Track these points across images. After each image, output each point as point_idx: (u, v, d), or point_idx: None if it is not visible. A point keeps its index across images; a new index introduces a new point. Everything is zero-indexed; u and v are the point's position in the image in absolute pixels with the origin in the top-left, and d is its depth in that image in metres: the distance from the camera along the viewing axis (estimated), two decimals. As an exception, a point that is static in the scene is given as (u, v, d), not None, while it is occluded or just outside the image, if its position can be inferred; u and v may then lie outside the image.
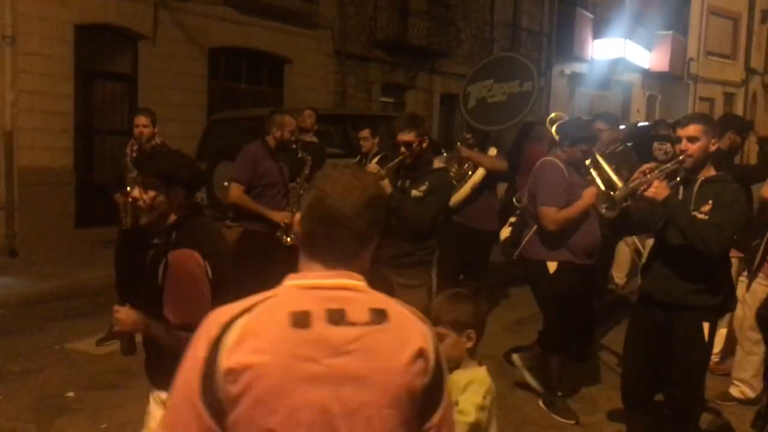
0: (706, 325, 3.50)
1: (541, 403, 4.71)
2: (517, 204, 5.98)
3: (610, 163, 4.36)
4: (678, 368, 3.55)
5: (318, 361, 1.34)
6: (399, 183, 4.33)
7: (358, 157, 6.85)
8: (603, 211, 3.55)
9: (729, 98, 28.10)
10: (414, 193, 4.24)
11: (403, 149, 4.26)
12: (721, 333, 5.25)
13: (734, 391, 4.82)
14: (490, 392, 2.25)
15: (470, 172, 5.96)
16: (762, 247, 4.53)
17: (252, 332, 1.35)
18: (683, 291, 3.46)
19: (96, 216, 9.57)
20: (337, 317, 1.38)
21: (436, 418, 1.43)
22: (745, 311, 4.72)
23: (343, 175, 1.52)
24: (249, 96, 12.56)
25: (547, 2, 19.89)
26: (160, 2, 10.55)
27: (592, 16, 20.68)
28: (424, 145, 4.28)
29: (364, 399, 1.35)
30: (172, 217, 2.56)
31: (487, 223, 6.07)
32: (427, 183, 4.24)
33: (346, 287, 1.44)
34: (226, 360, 1.32)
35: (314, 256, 1.47)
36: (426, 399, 1.41)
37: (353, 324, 1.38)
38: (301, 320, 1.36)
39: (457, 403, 2.18)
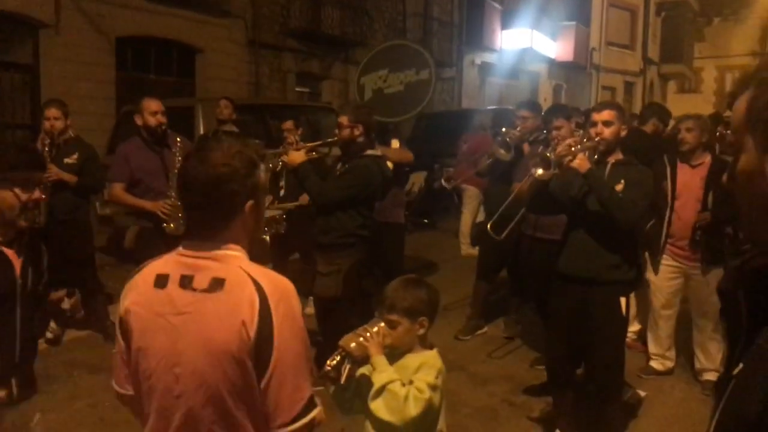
0: (622, 300, 3.68)
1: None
2: (446, 185, 6.04)
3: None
4: (597, 342, 3.71)
5: (164, 316, 1.61)
6: (339, 166, 4.47)
7: (280, 147, 6.74)
8: (538, 173, 3.60)
9: (629, 87, 29.50)
10: (336, 173, 4.44)
11: (336, 130, 4.46)
12: (641, 315, 5.54)
13: (655, 365, 5.06)
14: (441, 373, 2.29)
15: None
16: (665, 228, 4.78)
17: (134, 286, 1.70)
18: (599, 266, 3.63)
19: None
20: (185, 282, 1.61)
21: (266, 377, 1.56)
22: (654, 290, 4.98)
23: (210, 143, 1.66)
24: (159, 87, 12.11)
25: (457, -7, 20.23)
26: (63, -12, 10.06)
27: (500, 7, 21.16)
28: (356, 132, 4.38)
29: (190, 354, 1.57)
30: None
31: (398, 216, 6.23)
32: (347, 165, 4.38)
33: (207, 256, 1.62)
34: (122, 303, 1.69)
35: (192, 226, 1.68)
36: (254, 361, 1.56)
37: (194, 290, 1.60)
38: (160, 281, 1.64)
39: (411, 383, 2.21)
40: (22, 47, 10.13)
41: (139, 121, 5.04)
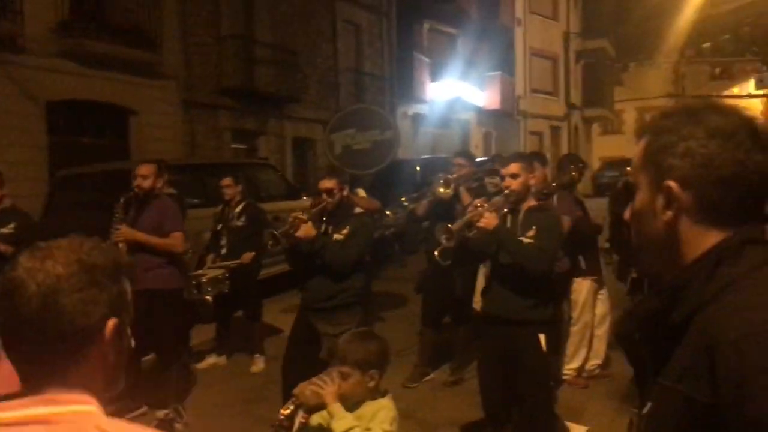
0: (541, 337, 3.94)
1: None
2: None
3: (473, 195, 4.79)
4: (524, 379, 3.97)
5: None
6: (323, 228, 4.55)
7: (221, 206, 6.80)
8: (444, 241, 3.93)
9: (555, 131, 30.68)
10: (336, 236, 4.47)
11: (325, 196, 4.53)
12: (581, 351, 5.75)
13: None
14: (395, 420, 2.40)
15: None
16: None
17: None
18: (520, 308, 3.91)
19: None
20: None
21: None
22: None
23: (39, 251, 1.12)
24: (93, 150, 11.99)
25: (386, 48, 20.84)
26: (-10, 56, 9.96)
27: (428, 60, 21.87)
28: (345, 193, 4.60)
29: None
30: None
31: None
32: (348, 227, 4.48)
33: (38, 420, 1.03)
34: None
35: (16, 367, 1.10)
36: None
37: None
38: None
39: (369, 430, 2.30)
40: (-52, 115, 9.94)
41: None
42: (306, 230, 4.43)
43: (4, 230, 5.25)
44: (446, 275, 5.87)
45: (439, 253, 4.48)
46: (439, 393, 5.78)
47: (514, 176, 3.94)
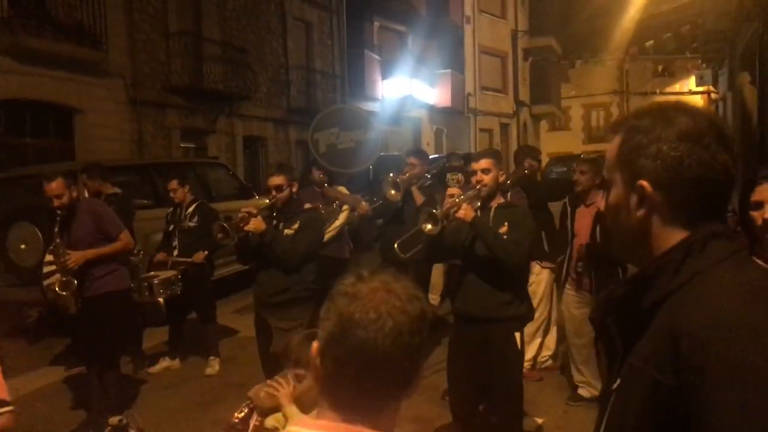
0: (517, 335, 3.93)
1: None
2: None
3: (425, 193, 4.82)
4: (497, 376, 3.93)
5: None
6: (273, 224, 4.57)
7: (171, 208, 6.68)
8: (427, 228, 3.81)
9: (504, 128, 31.09)
10: (286, 231, 4.52)
11: (273, 192, 4.57)
12: (535, 343, 5.85)
13: (583, 392, 5.30)
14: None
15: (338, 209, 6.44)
16: (566, 261, 5.17)
17: None
18: (495, 305, 3.86)
19: None
20: None
21: None
22: (566, 321, 5.32)
23: (373, 293, 1.14)
24: (36, 151, 11.65)
25: (336, 46, 20.78)
26: (-75, 53, 9.56)
27: (379, 57, 21.90)
28: (294, 189, 4.67)
29: None
30: None
31: (343, 252, 6.68)
32: (298, 222, 4.53)
33: None
34: None
35: (333, 404, 1.16)
36: None
37: None
38: None
39: None
40: None
41: None
42: (255, 224, 4.46)
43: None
44: (400, 272, 5.90)
45: (399, 245, 4.42)
46: (395, 390, 5.80)
47: (485, 171, 3.89)
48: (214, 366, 6.37)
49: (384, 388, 1.13)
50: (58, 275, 4.78)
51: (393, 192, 5.47)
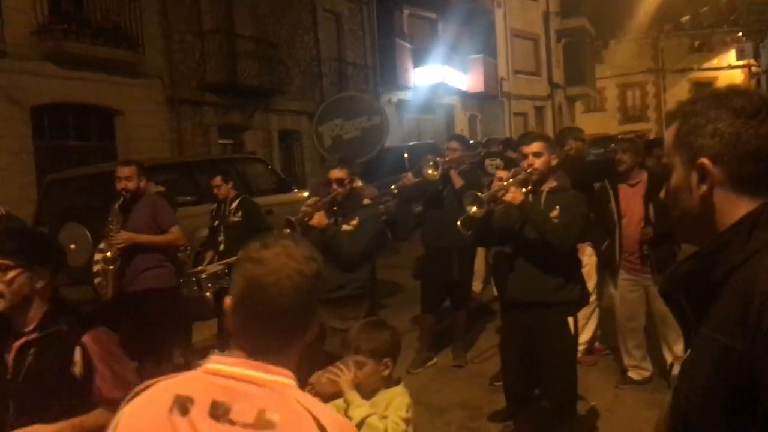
0: (570, 319, 3.89)
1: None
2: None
3: (465, 177, 4.81)
4: (550, 361, 3.91)
5: None
6: (332, 219, 4.51)
7: (216, 204, 6.80)
8: (471, 210, 3.74)
9: (539, 111, 30.78)
10: (345, 227, 4.47)
11: (335, 186, 4.51)
12: (590, 327, 5.81)
13: (633, 375, 5.29)
14: (410, 406, 2.45)
15: None
16: (617, 247, 5.10)
17: (133, 413, 1.31)
18: (546, 289, 3.82)
19: None
20: (219, 411, 1.25)
21: None
22: (617, 305, 5.27)
23: (274, 253, 1.35)
24: (79, 152, 11.92)
25: (368, 36, 20.79)
26: (-28, 62, 9.86)
27: (410, 46, 21.85)
28: (355, 183, 4.59)
29: None
30: (39, 303, 2.24)
31: None
32: (357, 217, 4.47)
33: (250, 380, 1.29)
34: None
35: (241, 345, 1.35)
36: None
37: (232, 423, 1.25)
38: (181, 406, 1.26)
39: (385, 417, 2.34)
40: (-68, 124, 9.84)
41: None
42: (319, 218, 4.42)
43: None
44: (443, 259, 5.92)
45: (462, 222, 4.41)
46: (443, 377, 5.85)
47: (537, 155, 3.83)
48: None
49: (285, 336, 1.35)
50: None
51: (431, 171, 5.43)
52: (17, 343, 2.17)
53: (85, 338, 2.25)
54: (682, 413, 1.25)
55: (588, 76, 34.44)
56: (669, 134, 1.34)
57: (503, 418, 4.68)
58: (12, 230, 2.63)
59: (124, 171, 5.17)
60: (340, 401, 2.34)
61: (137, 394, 1.34)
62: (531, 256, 3.86)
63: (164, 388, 1.31)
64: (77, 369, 2.23)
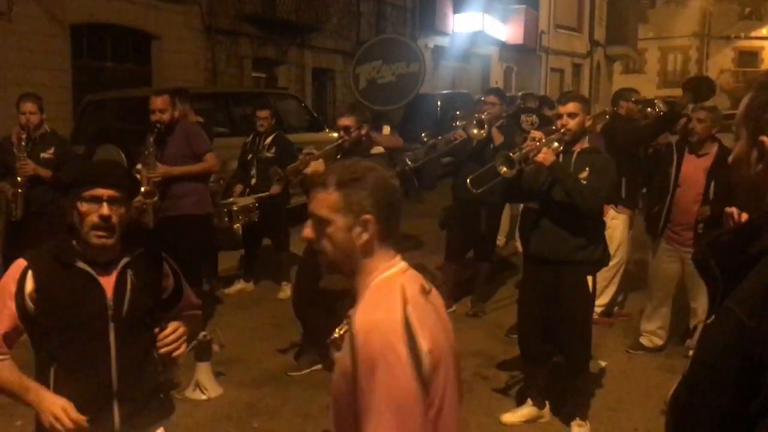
0: (589, 278, 3.97)
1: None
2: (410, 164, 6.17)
3: (504, 133, 4.80)
4: (567, 318, 4.00)
5: (446, 333, 1.68)
6: None
7: (251, 136, 6.86)
8: (503, 171, 3.82)
9: (577, 69, 30.18)
10: None
11: (341, 133, 4.54)
12: (610, 289, 5.86)
13: (644, 341, 5.34)
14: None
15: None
16: (664, 214, 5.01)
17: (422, 320, 1.56)
18: (568, 248, 3.90)
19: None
20: (425, 291, 1.65)
21: None
22: (652, 272, 5.27)
23: (372, 169, 1.66)
24: (115, 74, 12.02)
25: (409, -23, 20.36)
26: (15, -25, 9.86)
27: (451, -10, 21.39)
28: (363, 131, 4.57)
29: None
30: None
31: None
32: None
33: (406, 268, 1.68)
34: (424, 342, 1.53)
35: (390, 245, 1.66)
36: None
37: (431, 297, 1.68)
38: (423, 291, 1.64)
39: None
40: (-27, 36, 9.93)
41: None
42: (314, 167, 4.50)
43: (45, 155, 5.38)
44: (472, 211, 5.97)
45: (470, 180, 4.44)
46: (460, 325, 5.95)
47: (572, 115, 3.86)
48: (285, 291, 6.64)
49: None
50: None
51: (477, 131, 5.41)
52: (117, 268, 2.24)
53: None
54: (693, 373, 1.30)
55: (630, 36, 33.53)
56: (742, 103, 1.33)
57: (516, 369, 4.80)
58: (115, 165, 2.70)
59: (157, 103, 5.14)
60: None
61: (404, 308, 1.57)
62: (556, 215, 3.92)
63: (409, 282, 1.63)
64: (168, 281, 2.39)
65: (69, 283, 2.18)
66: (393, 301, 1.55)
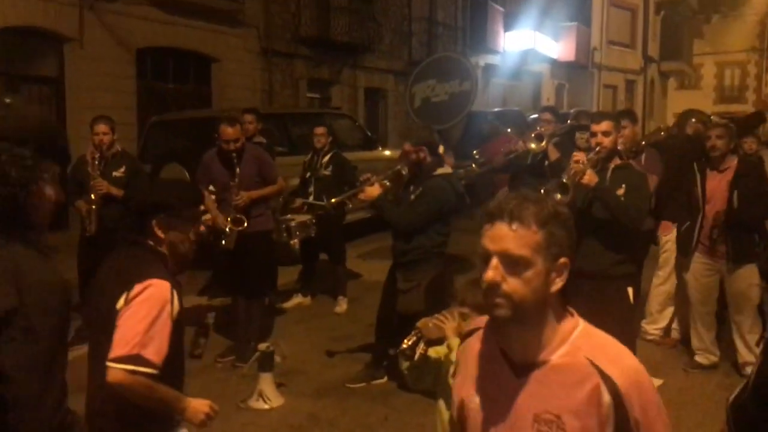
0: (629, 289, 4.10)
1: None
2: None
3: (559, 150, 4.91)
4: (611, 328, 4.06)
5: None
6: (411, 188, 4.76)
7: (310, 154, 7.07)
8: (558, 198, 3.88)
9: (630, 85, 29.82)
10: (412, 197, 4.71)
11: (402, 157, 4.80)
12: (669, 311, 5.83)
13: (700, 359, 5.29)
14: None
15: None
16: (697, 230, 5.06)
17: None
18: (609, 263, 4.05)
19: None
20: None
21: None
22: (691, 288, 5.24)
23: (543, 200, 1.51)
24: (177, 96, 12.51)
25: (460, -4, 20.57)
26: (86, 3, 10.40)
27: (502, 9, 21.48)
28: (422, 155, 4.70)
29: None
30: None
31: None
32: (420, 188, 4.67)
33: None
34: None
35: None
36: None
37: None
38: None
39: None
40: (47, 61, 10.49)
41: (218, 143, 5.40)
42: (368, 193, 4.69)
43: (117, 173, 5.68)
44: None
45: None
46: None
47: (606, 134, 4.03)
48: (342, 305, 6.80)
49: None
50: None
51: (536, 144, 5.49)
52: None
53: None
54: (756, 385, 1.35)
55: (685, 52, 32.98)
56: None
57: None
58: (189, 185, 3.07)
59: (229, 133, 5.19)
60: (442, 347, 2.56)
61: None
62: (596, 232, 4.05)
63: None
64: None
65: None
66: (620, 345, 1.54)
